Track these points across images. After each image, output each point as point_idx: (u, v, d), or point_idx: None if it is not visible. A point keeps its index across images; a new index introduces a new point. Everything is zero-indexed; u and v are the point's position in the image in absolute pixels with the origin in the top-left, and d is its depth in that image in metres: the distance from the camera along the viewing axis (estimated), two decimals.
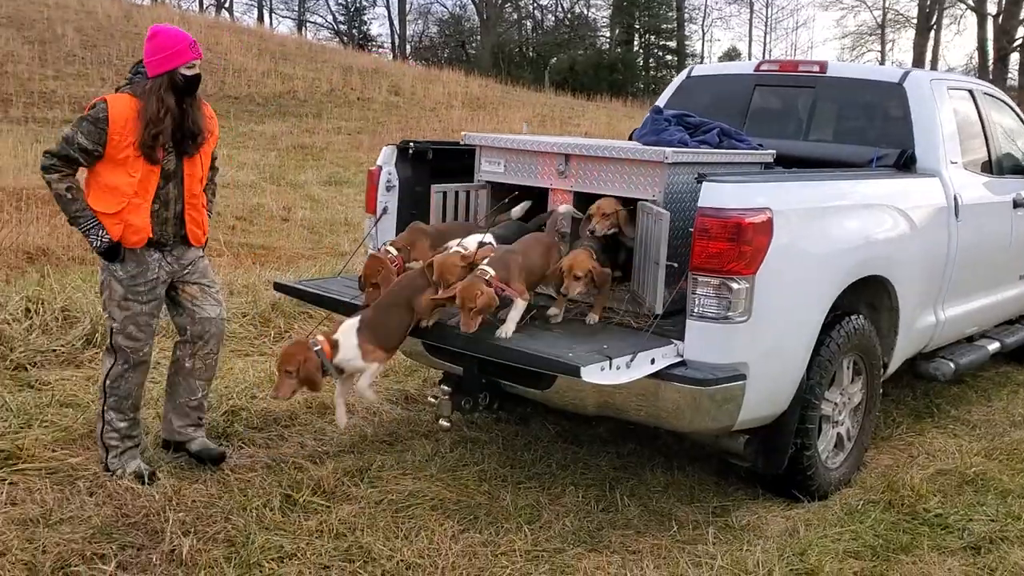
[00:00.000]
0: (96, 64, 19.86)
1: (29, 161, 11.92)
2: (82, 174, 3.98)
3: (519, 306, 3.72)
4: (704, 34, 59.41)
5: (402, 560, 3.48)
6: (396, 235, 4.77)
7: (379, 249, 4.27)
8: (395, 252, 4.14)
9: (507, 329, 3.67)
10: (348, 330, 3.78)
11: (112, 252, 3.94)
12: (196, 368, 4.29)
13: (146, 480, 3.99)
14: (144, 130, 3.83)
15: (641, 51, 50.47)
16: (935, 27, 41.45)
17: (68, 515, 3.65)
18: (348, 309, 4.27)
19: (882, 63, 42.80)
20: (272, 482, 4.08)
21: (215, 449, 4.31)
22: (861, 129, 5.44)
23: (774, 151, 4.77)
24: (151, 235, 3.97)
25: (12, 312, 5.72)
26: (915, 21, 42.40)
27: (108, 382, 4.10)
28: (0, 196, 9.72)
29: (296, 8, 52.36)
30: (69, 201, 3.89)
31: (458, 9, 52.32)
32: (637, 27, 50.22)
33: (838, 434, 4.48)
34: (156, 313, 4.13)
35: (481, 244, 3.96)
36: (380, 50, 49.42)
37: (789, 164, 5.08)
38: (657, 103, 5.91)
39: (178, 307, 4.25)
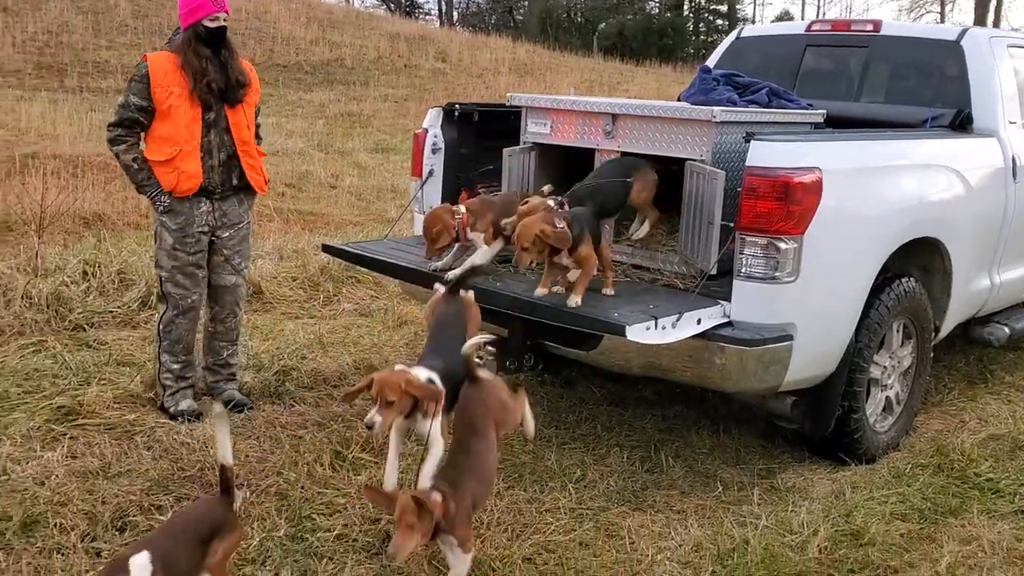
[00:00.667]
0: (148, 34, 20.08)
1: (84, 129, 12.17)
2: None
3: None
4: None
5: None
6: (442, 198, 4.81)
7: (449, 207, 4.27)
8: (463, 211, 4.12)
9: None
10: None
11: (171, 212, 4.22)
12: (218, 331, 4.59)
13: (194, 419, 4.28)
14: (194, 80, 4.10)
15: (691, 15, 49.59)
16: None
17: (126, 468, 3.76)
18: (392, 271, 4.33)
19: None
20: (322, 439, 4.16)
21: (240, 399, 4.56)
22: (915, 89, 5.33)
23: (824, 111, 4.69)
24: (202, 182, 4.20)
25: (70, 275, 5.87)
26: None
27: (161, 327, 4.40)
28: (57, 163, 9.93)
29: None
30: (136, 171, 4.19)
31: None
32: None
33: (887, 398, 4.43)
34: (202, 264, 4.38)
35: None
36: (427, 17, 49.24)
37: (840, 125, 4.99)
38: (706, 64, 5.83)
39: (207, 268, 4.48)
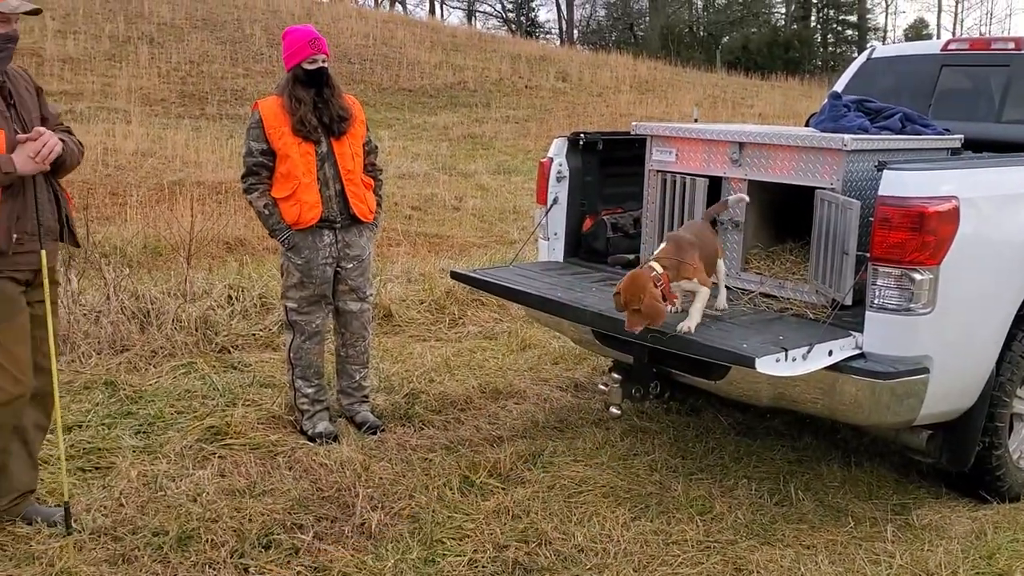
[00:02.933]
0: (281, 61, 21.00)
1: (225, 156, 12.85)
2: None
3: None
4: (887, 6, 56.50)
5: (575, 544, 3.59)
6: (566, 225, 4.90)
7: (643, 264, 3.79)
8: (660, 269, 3.63)
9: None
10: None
11: (296, 248, 4.51)
12: (349, 355, 4.80)
13: (331, 440, 4.50)
14: (291, 117, 4.40)
15: (819, 27, 48.43)
16: None
17: (270, 487, 3.97)
18: (519, 298, 4.43)
19: None
20: (451, 463, 4.29)
21: (374, 422, 4.75)
22: None
23: (962, 135, 4.55)
24: (322, 212, 4.45)
25: (216, 299, 6.23)
26: None
27: (291, 354, 4.64)
28: (201, 190, 10.53)
29: None
30: (267, 216, 4.50)
31: None
32: (815, 2, 48.20)
33: None
34: (327, 294, 4.63)
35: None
36: (547, 36, 49.75)
37: (980, 148, 4.83)
38: (835, 88, 5.73)
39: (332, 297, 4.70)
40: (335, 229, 4.55)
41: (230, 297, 6.32)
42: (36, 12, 3.33)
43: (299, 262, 4.51)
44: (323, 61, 4.47)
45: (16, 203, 3.34)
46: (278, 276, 6.66)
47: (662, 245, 3.82)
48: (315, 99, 4.43)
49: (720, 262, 3.99)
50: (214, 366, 5.47)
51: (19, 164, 3.28)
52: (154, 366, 5.44)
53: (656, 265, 3.63)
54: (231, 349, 5.81)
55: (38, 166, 3.32)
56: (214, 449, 4.35)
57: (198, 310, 5.99)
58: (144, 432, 4.54)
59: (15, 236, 3.33)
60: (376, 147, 4.84)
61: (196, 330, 5.85)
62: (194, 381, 5.20)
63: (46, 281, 3.43)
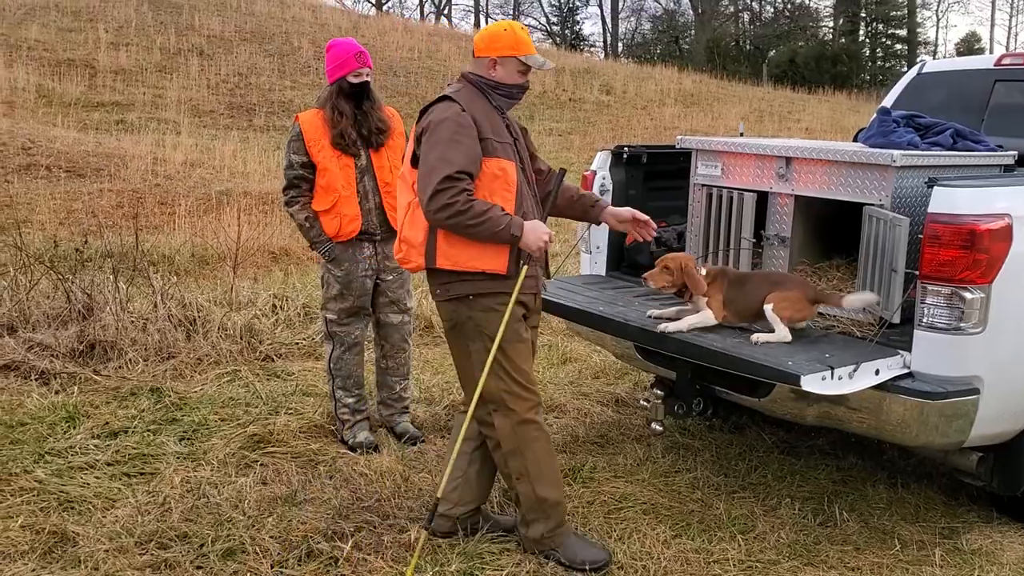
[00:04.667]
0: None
1: (272, 167, 13.01)
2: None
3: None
4: (939, 20, 55.73)
5: (616, 562, 3.55)
6: (608, 239, 4.89)
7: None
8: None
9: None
10: None
11: (336, 260, 4.54)
12: (389, 367, 4.82)
13: (371, 450, 4.54)
14: (332, 130, 4.41)
15: (867, 41, 47.88)
16: None
17: (311, 496, 4.00)
18: (561, 311, 4.41)
19: None
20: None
21: (414, 433, 4.77)
22: None
23: (1016, 152, 4.46)
24: (362, 224, 4.48)
25: (261, 308, 6.32)
26: None
27: (332, 365, 4.67)
28: (248, 200, 10.67)
29: (511, 12, 53.66)
30: (308, 229, 4.54)
31: (672, 4, 51.65)
32: (863, 15, 47.66)
33: None
34: (367, 305, 4.65)
35: None
36: (592, 49, 49.80)
37: None
38: (884, 103, 5.65)
39: (372, 308, 4.72)
40: (375, 241, 4.58)
41: (274, 306, 6.40)
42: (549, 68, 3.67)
43: (339, 274, 4.54)
44: (367, 75, 4.50)
45: None
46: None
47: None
48: (355, 112, 4.46)
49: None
50: (258, 374, 5.53)
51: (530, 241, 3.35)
52: (199, 373, 5.52)
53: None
54: (275, 358, 5.87)
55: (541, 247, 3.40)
56: (256, 457, 4.39)
57: (243, 319, 6.07)
58: (188, 439, 4.60)
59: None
60: None
61: (241, 338, 5.93)
62: (238, 389, 5.26)
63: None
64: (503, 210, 3.33)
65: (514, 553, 3.59)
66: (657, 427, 4.17)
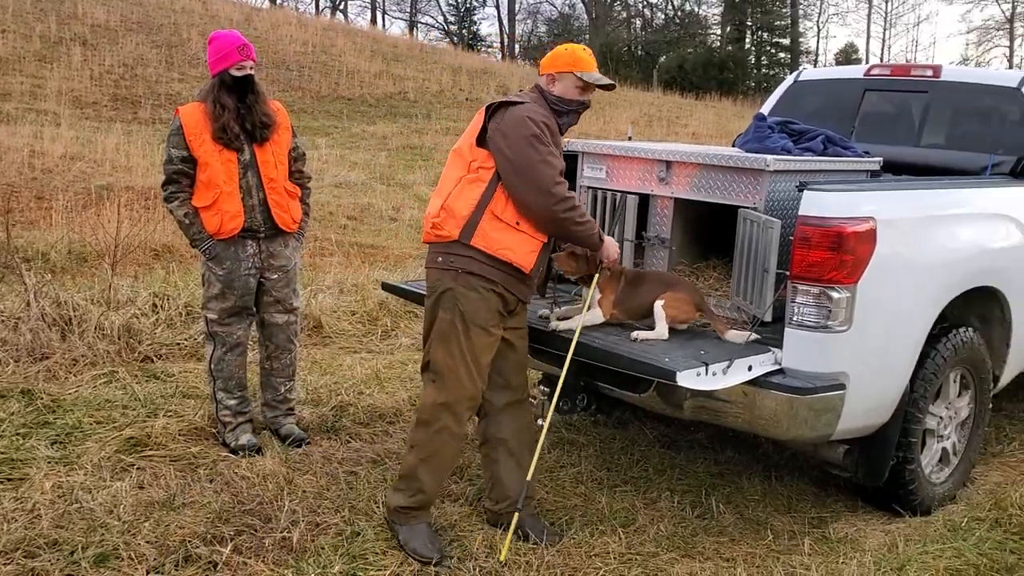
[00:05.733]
0: None
1: (156, 161, 12.58)
2: None
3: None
4: (819, 31, 57.95)
5: (499, 558, 3.58)
6: None
7: None
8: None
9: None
10: None
11: (217, 258, 4.42)
12: (274, 368, 4.73)
13: (254, 453, 4.44)
14: (213, 124, 4.30)
15: (753, 49, 49.50)
16: None
17: (190, 500, 3.90)
18: None
19: (1010, 59, 40.91)
20: (377, 476, 4.26)
21: (299, 435, 4.69)
22: (976, 135, 5.30)
23: (880, 159, 4.69)
24: (244, 221, 4.37)
25: (141, 307, 6.11)
26: None
27: (213, 366, 4.56)
28: (131, 195, 10.31)
29: (408, 9, 53.36)
30: (187, 226, 4.40)
31: (567, 8, 52.38)
32: (749, 24, 49.29)
33: (943, 448, 4.38)
34: (250, 305, 4.55)
35: None
36: (489, 50, 49.93)
37: (899, 171, 4.98)
38: (761, 109, 5.87)
39: (256, 307, 4.64)
40: (258, 239, 4.47)
41: (155, 305, 6.20)
42: (610, 87, 3.82)
43: (220, 273, 4.43)
44: (251, 68, 4.40)
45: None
46: None
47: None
48: (238, 105, 4.34)
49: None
50: (136, 376, 5.35)
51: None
52: (74, 375, 5.31)
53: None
54: (154, 358, 5.70)
55: None
56: (133, 460, 4.25)
57: (121, 318, 5.86)
58: (61, 443, 4.42)
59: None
60: (304, 153, 4.72)
61: (119, 339, 5.72)
62: (115, 391, 5.08)
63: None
64: None
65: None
66: (542, 423, 4.22)
